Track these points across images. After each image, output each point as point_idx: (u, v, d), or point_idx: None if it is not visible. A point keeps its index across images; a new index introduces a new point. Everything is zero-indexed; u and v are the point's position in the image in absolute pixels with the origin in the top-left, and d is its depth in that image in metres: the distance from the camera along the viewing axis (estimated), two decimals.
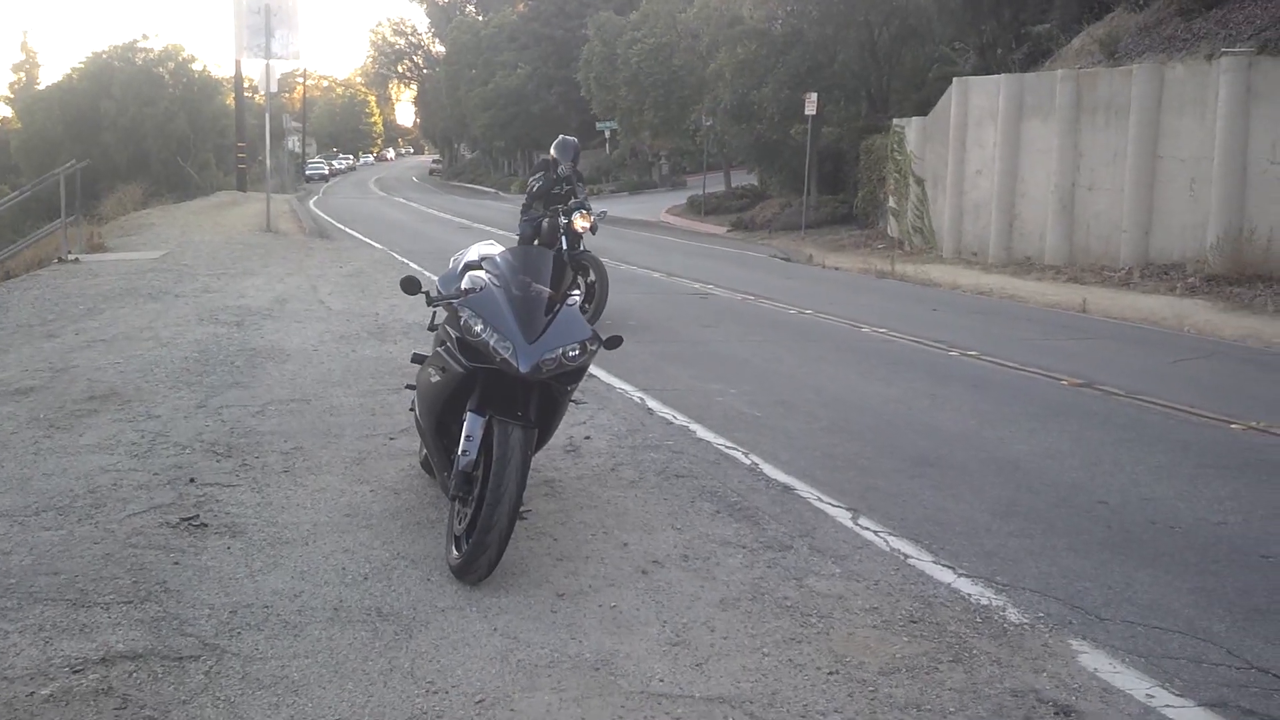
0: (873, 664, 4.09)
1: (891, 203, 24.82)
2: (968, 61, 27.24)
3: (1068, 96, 18.72)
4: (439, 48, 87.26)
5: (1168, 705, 3.81)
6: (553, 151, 12.04)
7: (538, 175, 12.11)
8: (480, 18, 72.50)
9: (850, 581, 4.89)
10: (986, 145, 20.74)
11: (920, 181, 23.25)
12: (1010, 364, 10.27)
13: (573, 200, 11.83)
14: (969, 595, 4.75)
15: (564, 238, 11.61)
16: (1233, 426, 7.95)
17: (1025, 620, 4.50)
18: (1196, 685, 3.97)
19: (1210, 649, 4.28)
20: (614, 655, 4.10)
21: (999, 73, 21.99)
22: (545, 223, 11.81)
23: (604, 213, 12.45)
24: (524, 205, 12.16)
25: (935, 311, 14.37)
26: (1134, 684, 3.96)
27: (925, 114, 23.73)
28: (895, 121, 25.00)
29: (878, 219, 26.31)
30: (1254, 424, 7.98)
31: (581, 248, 11.71)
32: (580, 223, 11.62)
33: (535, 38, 59.85)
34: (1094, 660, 4.15)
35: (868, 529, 5.58)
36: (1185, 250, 16.62)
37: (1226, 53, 16.02)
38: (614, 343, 5.16)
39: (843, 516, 5.78)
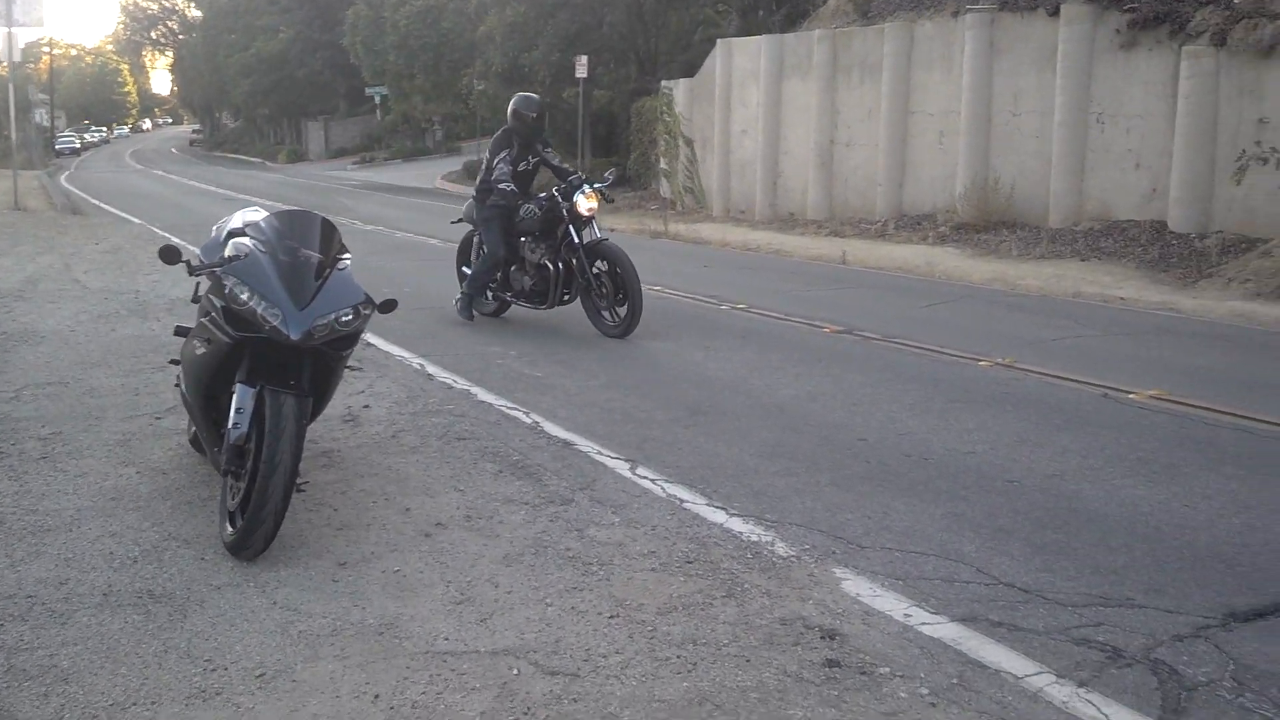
0: (651, 605, 4.24)
1: (663, 164, 25.22)
2: (731, 23, 27.88)
3: (825, 56, 19.42)
4: (195, 12, 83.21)
5: (923, 623, 4.10)
6: (510, 117, 9.79)
7: (499, 153, 9.69)
8: None
9: (629, 529, 5.04)
10: (750, 105, 21.32)
11: (689, 142, 23.71)
12: (776, 315, 10.69)
13: (573, 177, 9.70)
14: (740, 533, 4.97)
15: (570, 227, 9.42)
16: (981, 363, 8.51)
17: (792, 553, 4.75)
18: (949, 602, 4.27)
19: (961, 568, 4.61)
20: (398, 618, 4.12)
21: (761, 34, 22.60)
22: (534, 210, 9.55)
23: (613, 172, 10.49)
24: (478, 189, 9.89)
25: (707, 268, 14.77)
26: (892, 605, 4.24)
27: (692, 76, 24.17)
28: (664, 84, 25.37)
29: (651, 180, 26.70)
30: (1000, 360, 8.55)
31: (597, 234, 9.48)
32: (585, 204, 9.35)
33: (298, 0, 57.86)
34: (856, 586, 4.42)
35: (645, 478, 5.75)
36: (936, 201, 17.55)
37: (971, 9, 16.90)
38: (388, 307, 5.11)
39: (621, 468, 5.93)
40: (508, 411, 7.07)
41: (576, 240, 9.40)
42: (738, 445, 6.37)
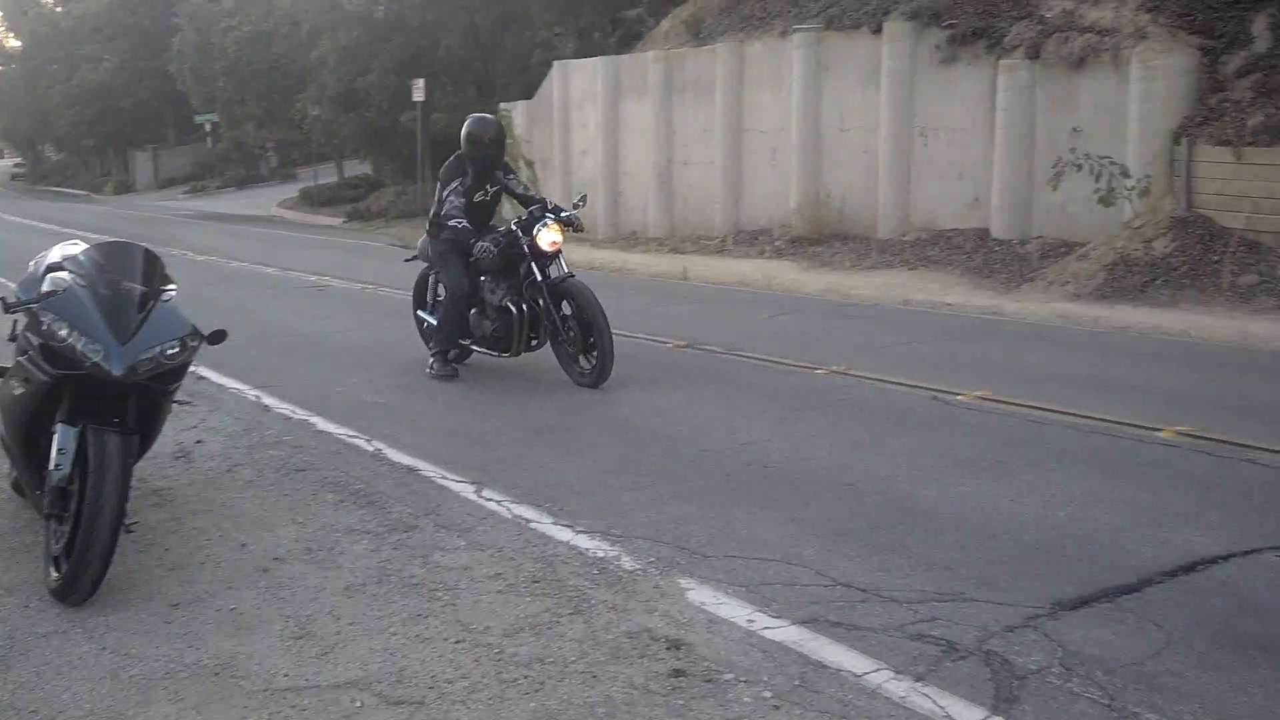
0: (498, 627, 4.22)
1: None
2: (568, 45, 28.01)
3: (659, 76, 19.67)
4: (14, 42, 79.56)
5: (766, 627, 4.17)
6: (464, 141, 8.58)
7: (451, 183, 8.48)
8: (59, 9, 66.71)
9: (475, 552, 5.00)
10: (589, 126, 21.45)
11: (530, 163, 23.71)
12: (620, 332, 10.57)
13: (534, 207, 8.50)
14: (586, 550, 4.99)
15: (533, 264, 8.25)
16: (817, 372, 8.71)
17: (638, 566, 4.78)
18: (791, 606, 4.36)
19: (802, 572, 4.71)
20: (235, 657, 4.01)
21: (597, 55, 22.77)
22: (490, 248, 8.23)
23: (584, 198, 9.42)
24: (431, 224, 8.73)
25: None
26: (736, 612, 4.31)
27: (531, 97, 24.20)
28: (502, 106, 25.31)
29: None
30: (835, 368, 8.77)
31: (563, 270, 8.33)
32: (547, 238, 8.18)
33: (122, 28, 55.80)
34: (700, 595, 4.48)
35: (491, 500, 5.72)
36: (772, 216, 17.91)
37: (798, 29, 17.31)
38: (218, 338, 4.95)
39: (466, 491, 5.88)
40: (349, 440, 6.94)
41: (540, 278, 8.26)
42: (583, 462, 6.39)
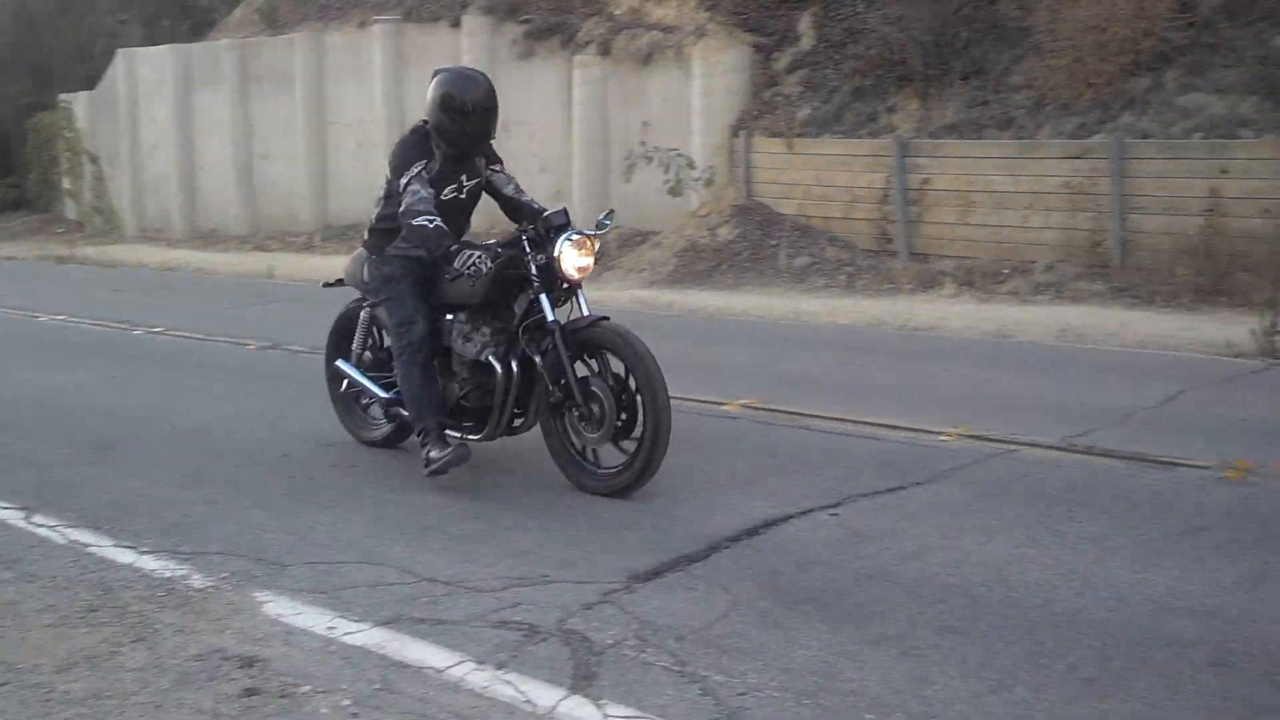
0: (49, 664, 3.84)
1: (67, 184, 23.22)
2: (135, 33, 26.15)
3: (234, 66, 18.83)
4: None
5: (347, 633, 4.03)
6: (435, 108, 5.56)
7: (412, 167, 5.49)
8: None
9: (23, 584, 4.54)
10: (160, 118, 20.21)
11: (95, 159, 22.02)
12: (197, 336, 10.20)
13: (552, 213, 5.57)
14: (152, 571, 4.64)
15: (542, 297, 5.43)
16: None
17: (210, 584, 4.51)
18: (373, 608, 4.24)
19: (386, 571, 4.61)
20: None
21: (166, 43, 21.44)
22: (481, 262, 5.51)
23: (611, 212, 6.05)
24: (371, 230, 5.89)
25: (118, 292, 13.81)
26: (315, 620, 4.14)
27: (94, 88, 22.44)
28: (62, 96, 23.33)
29: (55, 201, 24.46)
30: None
31: (585, 311, 5.53)
32: (574, 260, 5.44)
33: None
34: (277, 607, 4.27)
35: (43, 525, 5.21)
36: (362, 210, 17.39)
37: (377, 20, 17.10)
38: None
39: (14, 518, 5.33)
40: None
41: (551, 318, 5.43)
42: (152, 478, 5.96)
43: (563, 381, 5.41)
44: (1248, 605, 4.02)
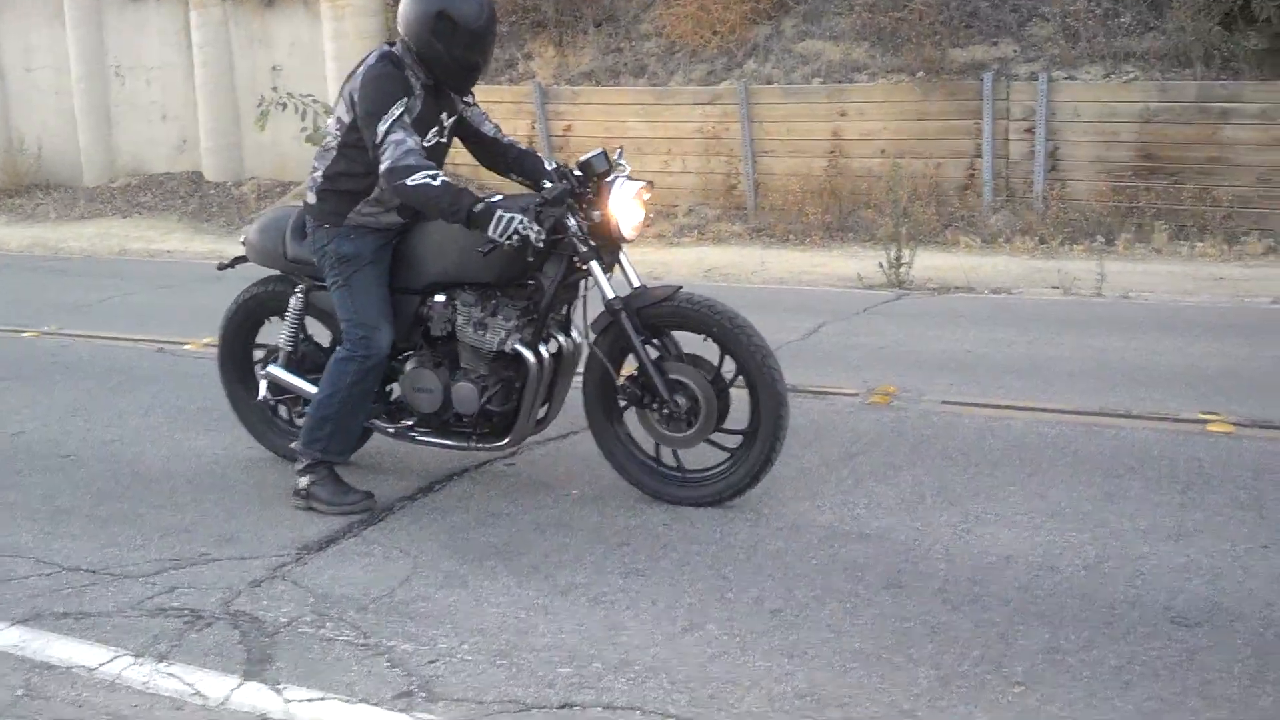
0: None
1: None
2: None
3: None
4: None
5: None
6: (418, 27, 4.26)
7: (393, 105, 4.20)
8: None
9: None
10: None
11: None
12: None
13: (594, 155, 4.37)
14: None
15: (595, 269, 4.35)
16: (25, 335, 7.82)
17: None
18: (9, 605, 3.79)
19: (20, 563, 4.14)
20: None
21: None
22: (521, 225, 4.04)
23: (620, 151, 4.66)
24: (319, 190, 4.57)
25: None
26: None
27: None
28: None
29: None
30: (47, 329, 7.93)
31: (632, 279, 4.55)
32: (637, 215, 4.41)
33: None
34: None
35: None
36: None
37: None
38: None
39: None
40: None
41: (610, 294, 4.39)
42: None
43: (644, 378, 4.37)
44: (911, 526, 4.24)
